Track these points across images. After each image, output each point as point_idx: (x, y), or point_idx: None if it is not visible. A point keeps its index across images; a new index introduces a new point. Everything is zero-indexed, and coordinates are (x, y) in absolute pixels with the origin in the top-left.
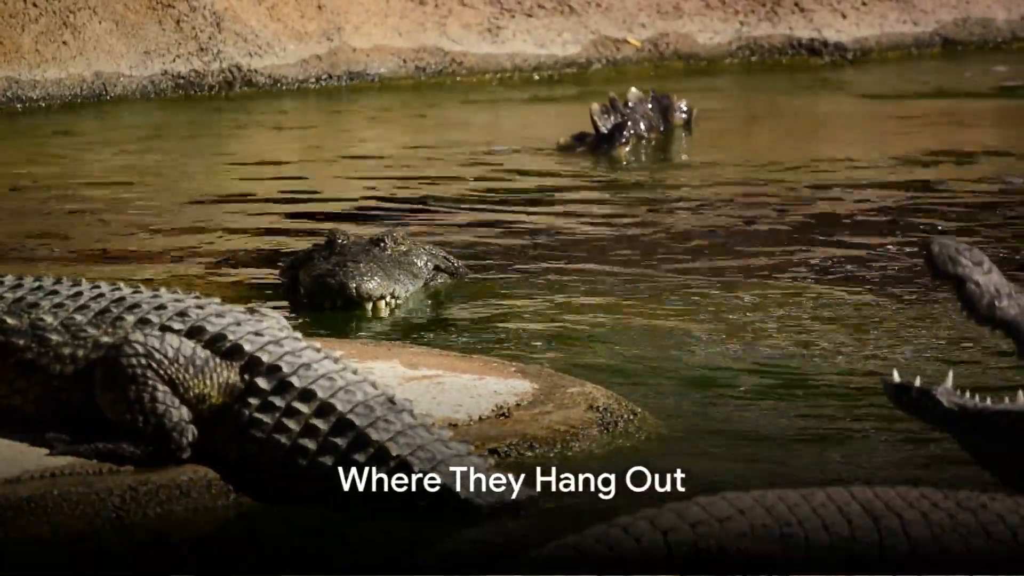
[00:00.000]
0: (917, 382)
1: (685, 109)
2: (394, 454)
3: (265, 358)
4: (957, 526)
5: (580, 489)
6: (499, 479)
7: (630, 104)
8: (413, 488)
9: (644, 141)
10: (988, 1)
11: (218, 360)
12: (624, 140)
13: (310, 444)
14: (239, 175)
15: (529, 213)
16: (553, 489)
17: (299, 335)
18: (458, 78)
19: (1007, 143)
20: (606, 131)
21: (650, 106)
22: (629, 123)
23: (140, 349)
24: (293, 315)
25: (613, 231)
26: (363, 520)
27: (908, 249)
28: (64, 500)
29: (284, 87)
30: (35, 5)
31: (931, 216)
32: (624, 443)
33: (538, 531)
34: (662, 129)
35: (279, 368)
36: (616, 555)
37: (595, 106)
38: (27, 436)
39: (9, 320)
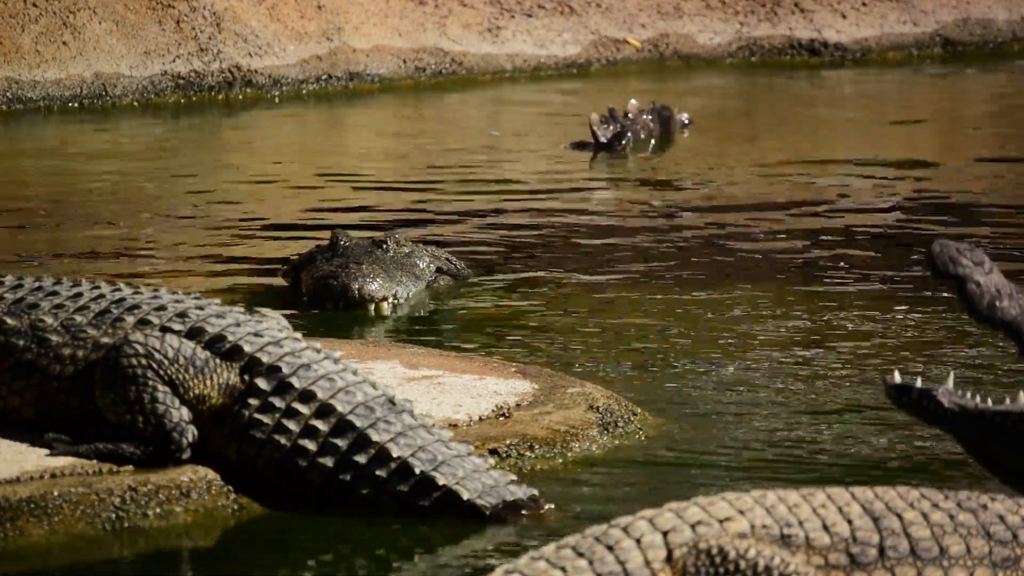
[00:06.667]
0: (918, 383)
1: (686, 119)
2: (395, 455)
3: (265, 359)
4: (957, 526)
5: (580, 489)
6: (499, 479)
7: (629, 115)
8: (414, 489)
9: (643, 149)
10: (988, 1)
11: (218, 361)
12: (622, 150)
13: (310, 445)
14: (239, 175)
15: (530, 215)
16: (553, 489)
17: (299, 336)
18: (458, 78)
19: (1007, 143)
20: (604, 140)
21: (649, 117)
22: (628, 133)
23: (140, 350)
24: (295, 316)
25: (613, 234)
26: (363, 521)
27: (908, 249)
28: (64, 500)
29: (284, 87)
30: (35, 5)
31: (931, 216)
32: (624, 443)
33: (538, 531)
34: (663, 136)
35: (279, 369)
36: (616, 555)
37: (594, 116)
38: (27, 436)
39: (9, 321)
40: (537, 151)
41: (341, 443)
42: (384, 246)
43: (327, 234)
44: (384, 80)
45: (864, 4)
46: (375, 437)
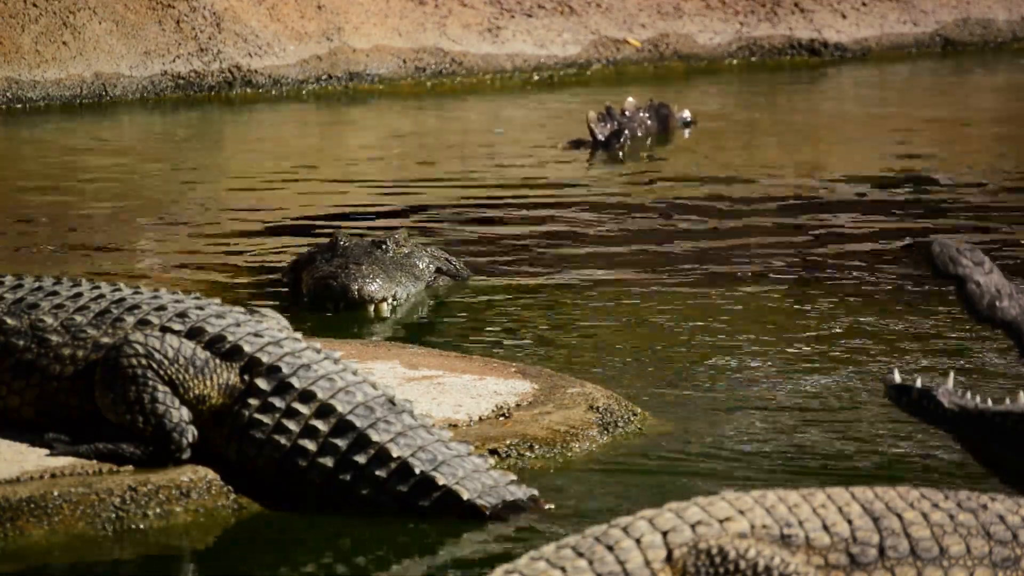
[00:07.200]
0: (918, 383)
1: (687, 117)
2: (395, 455)
3: (265, 359)
4: (957, 526)
5: (580, 489)
6: (499, 479)
7: (627, 112)
8: (414, 489)
9: (641, 148)
10: (988, 1)
11: (218, 361)
12: (619, 148)
13: (310, 445)
14: (239, 175)
15: (529, 215)
16: (553, 489)
17: (299, 336)
18: (458, 78)
19: (1008, 143)
20: (602, 138)
21: (647, 114)
22: (626, 131)
23: (140, 350)
24: (295, 316)
25: (612, 234)
26: (363, 521)
27: (908, 249)
28: (64, 500)
29: (284, 87)
30: (35, 5)
31: (931, 217)
32: (624, 443)
33: (538, 531)
34: (661, 134)
35: (279, 369)
36: (616, 555)
37: (592, 114)
38: (27, 436)
39: (9, 321)
40: (536, 151)
41: (341, 443)
42: (384, 246)
43: (327, 234)
44: (384, 80)
45: (864, 4)
46: (375, 437)
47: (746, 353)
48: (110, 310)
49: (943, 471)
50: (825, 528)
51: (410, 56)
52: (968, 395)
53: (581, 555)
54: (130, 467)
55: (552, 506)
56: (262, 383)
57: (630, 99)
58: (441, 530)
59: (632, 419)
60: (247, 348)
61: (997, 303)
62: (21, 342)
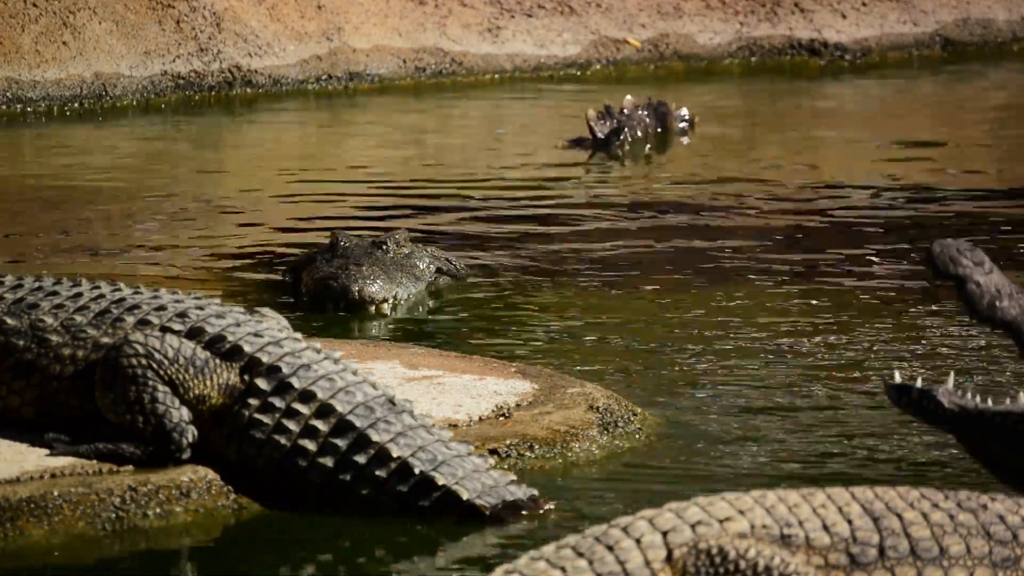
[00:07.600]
0: (918, 383)
1: (685, 115)
2: (395, 455)
3: (265, 359)
4: (957, 526)
5: (580, 489)
6: (499, 479)
7: (625, 111)
8: (414, 489)
9: (641, 146)
10: (988, 1)
11: (218, 361)
12: (619, 146)
13: (310, 445)
14: (239, 175)
15: (529, 215)
16: (553, 489)
17: (299, 336)
18: (458, 78)
19: (1007, 143)
20: (602, 136)
21: (645, 112)
22: (625, 129)
23: (140, 350)
24: (295, 316)
25: (612, 233)
26: (363, 521)
27: (909, 250)
28: (64, 500)
29: (284, 87)
30: (35, 5)
31: (932, 216)
32: (624, 443)
33: (538, 531)
34: (659, 133)
35: (279, 369)
36: (616, 555)
37: (591, 112)
38: (27, 436)
39: (9, 321)
40: (536, 150)
41: (341, 443)
42: (384, 247)
43: (327, 235)
44: (384, 80)
45: (864, 4)
46: (375, 437)
47: (747, 353)
48: (110, 310)
49: (943, 471)
50: (825, 528)
51: (410, 56)
52: (968, 395)
53: (581, 555)
54: (130, 467)
55: (552, 506)
56: (262, 383)
57: (628, 97)
58: (441, 530)
59: (632, 419)
60: (247, 348)
61: (997, 303)
62: (21, 342)
